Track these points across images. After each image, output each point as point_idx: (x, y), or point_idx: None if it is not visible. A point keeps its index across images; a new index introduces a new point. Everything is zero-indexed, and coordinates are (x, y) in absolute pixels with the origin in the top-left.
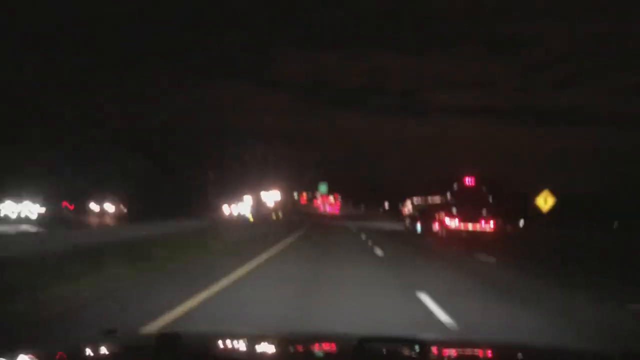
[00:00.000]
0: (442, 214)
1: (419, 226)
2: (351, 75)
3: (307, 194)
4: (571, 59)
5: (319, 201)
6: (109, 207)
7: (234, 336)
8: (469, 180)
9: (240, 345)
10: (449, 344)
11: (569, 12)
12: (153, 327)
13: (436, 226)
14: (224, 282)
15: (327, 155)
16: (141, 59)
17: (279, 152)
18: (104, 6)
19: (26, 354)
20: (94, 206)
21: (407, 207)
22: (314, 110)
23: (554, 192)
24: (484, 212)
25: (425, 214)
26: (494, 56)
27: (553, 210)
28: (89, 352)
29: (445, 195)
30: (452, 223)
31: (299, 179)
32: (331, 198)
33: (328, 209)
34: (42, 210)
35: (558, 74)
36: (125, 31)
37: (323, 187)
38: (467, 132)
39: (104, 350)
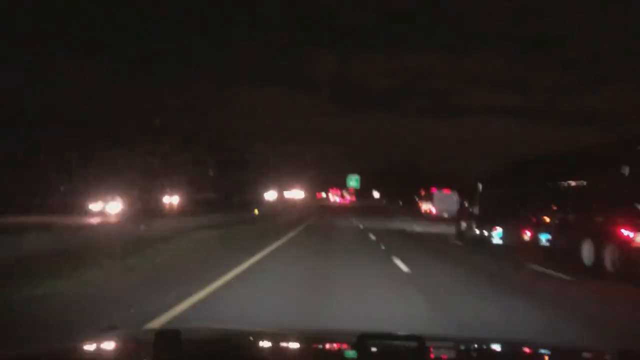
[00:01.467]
0: (616, 215)
1: (498, 235)
2: (383, 75)
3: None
4: (608, 57)
5: (330, 195)
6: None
7: (234, 333)
8: None
9: (240, 342)
10: (449, 342)
11: (605, 9)
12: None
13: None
14: None
15: (359, 155)
16: (172, 63)
17: (290, 151)
18: (139, 12)
19: (26, 352)
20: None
21: (433, 201)
22: (346, 111)
23: None
24: None
25: (520, 211)
26: (528, 56)
27: None
28: (89, 349)
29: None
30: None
31: (321, 176)
32: (339, 191)
33: (339, 201)
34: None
35: (594, 73)
36: (157, 35)
37: (352, 181)
38: (500, 132)
39: (103, 346)
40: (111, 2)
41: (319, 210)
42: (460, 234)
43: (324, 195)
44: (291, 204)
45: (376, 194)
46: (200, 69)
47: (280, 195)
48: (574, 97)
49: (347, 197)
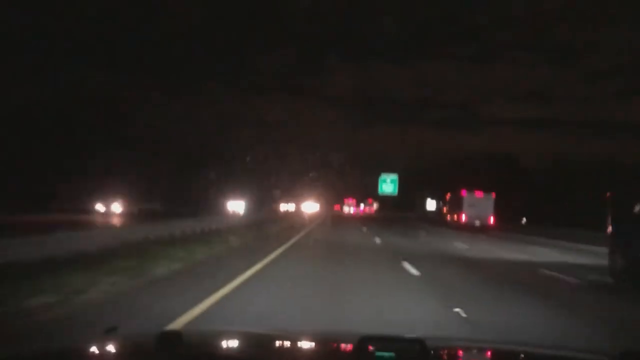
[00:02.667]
0: None
1: None
2: (403, 87)
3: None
4: (634, 68)
5: (345, 206)
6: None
7: (235, 335)
8: None
9: (241, 344)
10: (451, 344)
11: (631, 18)
12: None
13: None
14: None
15: (381, 166)
16: (193, 76)
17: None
18: (161, 24)
19: (28, 352)
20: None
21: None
22: (366, 123)
23: None
24: None
25: None
26: (553, 65)
27: None
28: (89, 351)
29: None
30: None
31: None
32: (354, 201)
33: (353, 212)
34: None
35: (622, 83)
36: (180, 48)
37: (387, 184)
38: (525, 144)
39: (104, 349)
40: (135, 16)
41: (322, 223)
42: (625, 270)
43: (347, 208)
44: (281, 215)
45: (431, 204)
46: (221, 80)
47: (272, 206)
48: (599, 108)
49: (365, 207)
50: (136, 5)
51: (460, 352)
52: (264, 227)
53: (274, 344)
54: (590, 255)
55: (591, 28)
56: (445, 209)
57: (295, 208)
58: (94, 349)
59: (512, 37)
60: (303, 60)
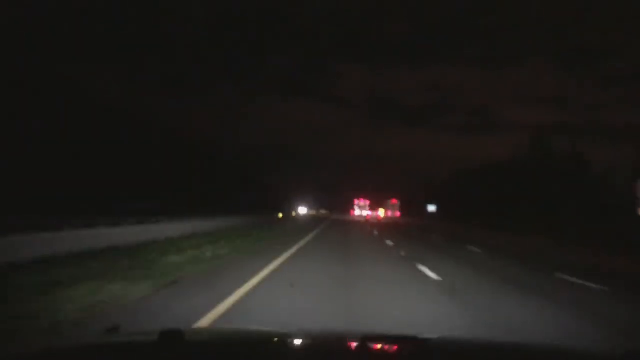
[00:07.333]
0: None
1: None
2: (417, 91)
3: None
4: None
5: (356, 208)
6: None
7: (236, 333)
8: None
9: (242, 343)
10: (452, 343)
11: None
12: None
13: None
14: None
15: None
16: (204, 78)
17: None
18: (170, 28)
19: (28, 352)
20: None
21: None
22: (378, 126)
23: None
24: None
25: None
26: (568, 70)
27: None
28: (91, 350)
29: None
30: None
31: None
32: (368, 202)
33: (366, 215)
34: None
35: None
36: (191, 51)
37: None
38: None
39: (106, 348)
40: (144, 16)
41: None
42: None
43: (358, 210)
44: None
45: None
46: (231, 82)
47: None
48: (616, 113)
49: (387, 211)
50: (147, 6)
51: (463, 351)
52: None
53: (275, 342)
54: None
55: (608, 32)
56: None
57: None
58: (95, 348)
59: (526, 41)
60: (312, 62)
